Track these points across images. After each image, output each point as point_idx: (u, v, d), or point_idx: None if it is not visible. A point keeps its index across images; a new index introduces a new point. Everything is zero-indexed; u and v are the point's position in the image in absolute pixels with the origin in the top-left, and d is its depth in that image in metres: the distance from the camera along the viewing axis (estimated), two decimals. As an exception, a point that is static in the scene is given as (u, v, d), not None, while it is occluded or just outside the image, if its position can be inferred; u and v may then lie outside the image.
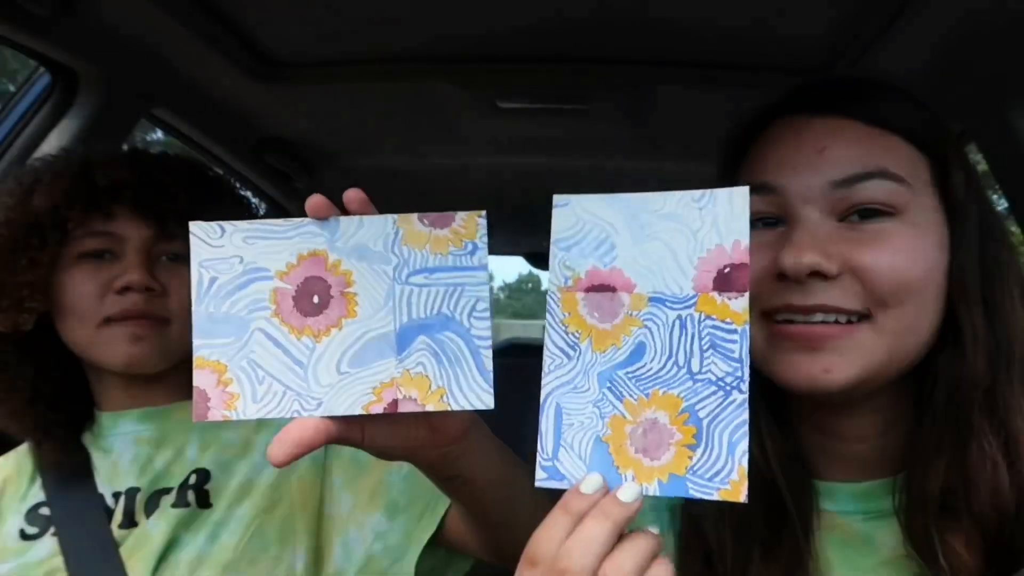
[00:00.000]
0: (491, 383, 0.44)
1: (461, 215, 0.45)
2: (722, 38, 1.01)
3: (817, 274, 0.50)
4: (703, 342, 0.42)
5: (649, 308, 0.43)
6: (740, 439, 0.41)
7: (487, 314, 0.45)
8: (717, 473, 0.41)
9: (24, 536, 0.73)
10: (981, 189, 0.55)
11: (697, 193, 0.43)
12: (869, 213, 0.51)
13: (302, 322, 0.45)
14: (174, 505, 0.73)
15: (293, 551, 0.72)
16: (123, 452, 0.77)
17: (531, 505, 0.59)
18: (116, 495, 0.75)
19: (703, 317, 0.42)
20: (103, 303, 0.73)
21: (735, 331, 0.41)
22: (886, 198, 0.51)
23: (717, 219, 0.42)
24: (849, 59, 1.02)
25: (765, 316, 0.54)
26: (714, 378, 0.42)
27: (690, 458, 0.41)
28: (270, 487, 0.75)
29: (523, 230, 2.59)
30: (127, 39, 1.00)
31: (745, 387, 0.41)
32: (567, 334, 0.44)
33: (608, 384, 0.43)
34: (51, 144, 1.08)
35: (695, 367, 0.42)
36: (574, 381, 0.44)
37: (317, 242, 0.45)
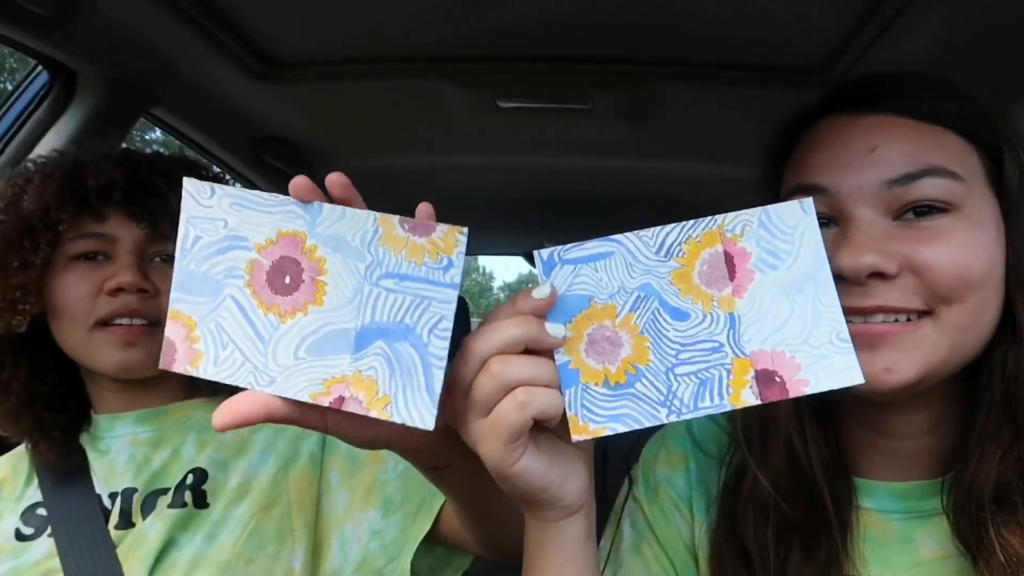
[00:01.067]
0: (436, 404, 0.43)
1: (442, 227, 0.44)
2: (722, 38, 1.01)
3: (877, 275, 0.49)
4: None
5: (722, 319, 0.46)
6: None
7: (448, 334, 0.44)
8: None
9: (20, 536, 0.73)
10: None
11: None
12: (925, 210, 0.50)
13: (271, 299, 0.45)
14: (171, 505, 0.73)
15: (291, 549, 0.72)
16: (120, 453, 0.77)
17: None
18: (112, 495, 0.75)
19: (730, 367, 0.45)
20: (95, 304, 0.73)
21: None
22: (941, 195, 0.50)
23: (817, 362, 0.45)
24: (849, 59, 1.02)
25: None
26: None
27: None
28: (268, 486, 0.75)
29: (523, 230, 2.60)
30: (126, 38, 1.00)
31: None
32: (673, 250, 0.46)
33: (643, 294, 0.46)
34: (49, 143, 1.08)
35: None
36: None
37: (298, 223, 0.45)
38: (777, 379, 0.44)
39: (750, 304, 0.45)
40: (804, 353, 0.44)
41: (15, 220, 0.72)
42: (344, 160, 1.57)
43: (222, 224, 0.46)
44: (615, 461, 0.96)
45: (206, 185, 0.46)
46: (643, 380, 0.45)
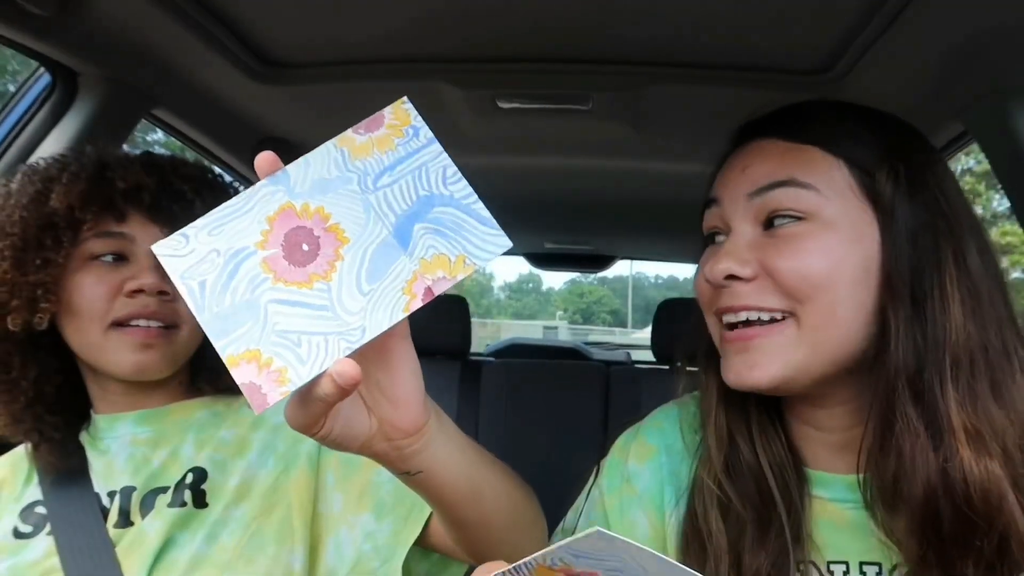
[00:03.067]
0: (498, 227, 0.45)
1: (387, 110, 0.47)
2: (723, 39, 1.01)
3: (735, 278, 0.58)
4: None
5: None
6: None
7: (459, 176, 0.46)
8: None
9: (17, 534, 0.73)
10: (924, 186, 0.58)
11: None
12: (782, 219, 0.57)
13: (304, 273, 0.44)
14: (170, 504, 0.73)
15: (291, 550, 0.72)
16: (119, 453, 0.77)
17: (506, 504, 0.60)
18: (111, 494, 0.75)
19: None
20: (112, 305, 0.73)
21: None
22: (793, 203, 0.57)
23: None
24: (849, 59, 1.02)
25: (717, 317, 0.61)
26: None
27: None
28: (269, 488, 0.75)
29: (524, 230, 2.60)
30: (127, 39, 1.00)
31: None
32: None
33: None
34: (50, 145, 1.08)
35: None
36: None
37: (278, 198, 0.45)
38: None
39: None
40: None
41: (39, 218, 0.71)
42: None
43: (215, 255, 0.44)
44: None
45: (177, 236, 0.44)
46: None
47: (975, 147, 1.19)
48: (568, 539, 0.36)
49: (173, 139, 1.36)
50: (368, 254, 0.45)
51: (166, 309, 0.75)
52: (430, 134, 0.46)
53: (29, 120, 1.08)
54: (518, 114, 1.27)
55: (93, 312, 0.73)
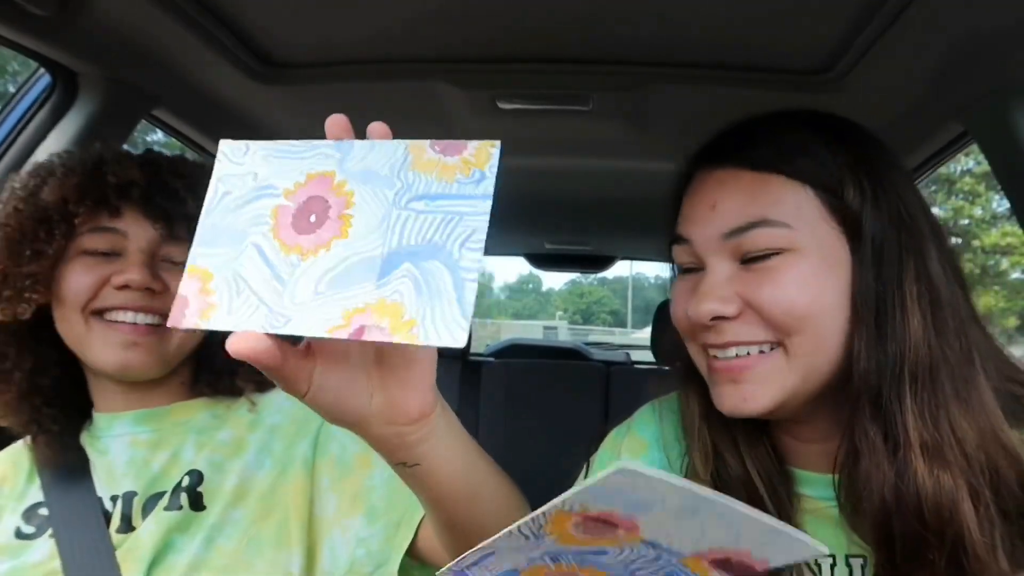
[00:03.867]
0: (468, 319, 0.39)
1: (474, 144, 0.43)
2: (723, 39, 1.01)
3: (720, 317, 0.58)
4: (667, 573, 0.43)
5: (640, 546, 0.42)
6: None
7: (480, 246, 0.41)
8: None
9: (20, 535, 0.73)
10: (889, 195, 0.58)
11: (778, 526, 0.39)
12: (758, 255, 0.58)
13: (294, 239, 0.43)
14: (167, 508, 0.73)
15: (288, 554, 0.72)
16: (119, 454, 0.77)
17: (502, 509, 0.59)
18: (114, 499, 0.75)
19: (682, 567, 0.43)
20: (98, 295, 0.73)
21: None
22: (768, 242, 0.57)
23: (775, 550, 0.41)
24: (849, 60, 1.02)
25: (703, 350, 0.62)
26: None
27: None
28: (266, 493, 0.75)
29: (524, 230, 2.60)
30: (127, 39, 1.00)
31: None
32: (538, 530, 0.42)
33: (558, 555, 0.44)
34: (51, 145, 1.08)
35: None
36: (523, 549, 0.44)
37: (328, 163, 0.44)
38: (734, 561, 0.42)
39: (655, 532, 0.41)
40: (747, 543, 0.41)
41: (33, 210, 0.72)
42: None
43: (252, 177, 0.45)
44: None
45: (241, 143, 0.46)
46: None
47: (975, 147, 1.19)
48: (589, 481, 0.37)
49: (173, 139, 1.36)
50: (348, 261, 0.42)
51: (156, 303, 0.74)
52: (491, 190, 0.41)
53: (29, 120, 1.08)
54: (518, 114, 1.27)
55: (76, 301, 0.73)
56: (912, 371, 0.55)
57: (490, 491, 0.59)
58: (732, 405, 0.59)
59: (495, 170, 0.42)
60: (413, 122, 1.34)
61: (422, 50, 1.08)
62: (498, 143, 0.42)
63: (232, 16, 0.99)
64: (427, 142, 0.43)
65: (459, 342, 0.39)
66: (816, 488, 0.63)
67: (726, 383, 0.59)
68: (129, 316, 0.73)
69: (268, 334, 0.42)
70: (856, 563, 0.61)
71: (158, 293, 0.74)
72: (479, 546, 0.42)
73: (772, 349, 0.58)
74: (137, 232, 0.75)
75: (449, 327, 0.39)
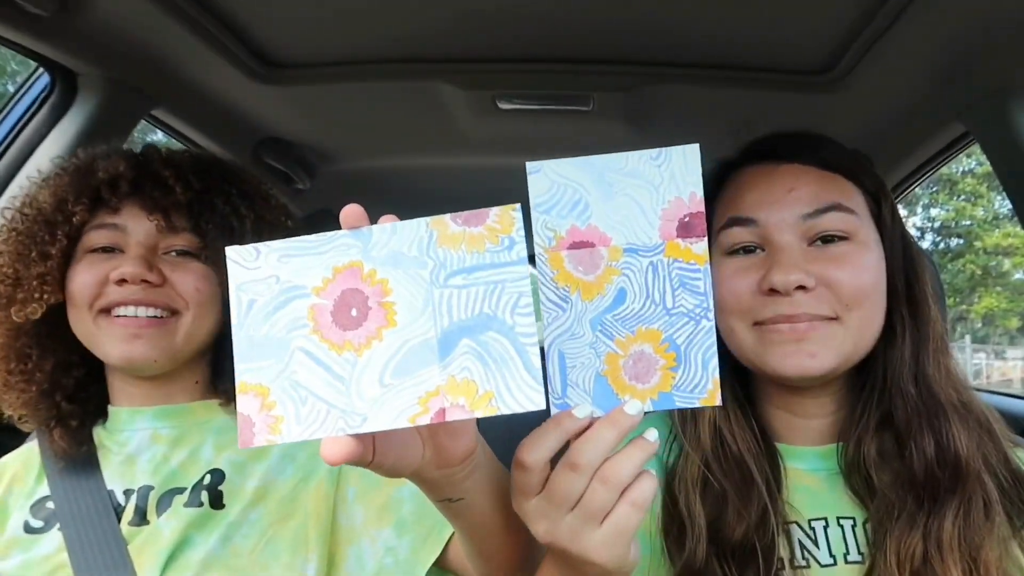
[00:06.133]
0: (540, 382, 0.42)
1: (495, 211, 0.44)
2: (724, 39, 1.01)
3: (800, 288, 0.64)
4: (673, 282, 0.49)
5: (625, 258, 0.49)
6: (711, 356, 0.48)
7: (530, 309, 0.43)
8: (696, 386, 0.48)
9: (28, 529, 0.73)
10: (899, 216, 0.72)
11: (654, 152, 0.48)
12: (830, 238, 0.66)
13: (342, 336, 0.43)
14: (187, 504, 0.73)
15: (305, 559, 0.72)
16: (139, 448, 0.78)
17: (532, 540, 0.59)
18: (127, 492, 0.75)
19: (671, 261, 0.49)
20: (101, 293, 0.74)
21: (699, 270, 0.48)
22: (843, 226, 0.66)
23: (674, 174, 0.48)
24: (850, 60, 1.02)
25: (757, 325, 0.67)
26: (685, 310, 0.49)
27: (673, 378, 0.49)
28: (287, 497, 0.75)
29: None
30: (127, 39, 1.00)
31: (711, 315, 0.48)
32: (557, 289, 0.49)
33: (599, 328, 0.49)
34: (50, 145, 1.08)
35: (669, 303, 0.49)
36: (571, 329, 0.49)
37: (352, 254, 0.44)
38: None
39: (614, 230, 0.50)
40: None
41: (35, 213, 0.75)
42: (344, 161, 1.57)
43: (274, 280, 0.44)
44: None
45: (250, 248, 0.45)
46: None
47: (977, 148, 1.19)
48: (534, 196, 0.49)
49: (173, 139, 1.36)
50: (406, 347, 0.43)
51: (157, 295, 0.74)
52: (524, 252, 0.43)
53: (29, 120, 1.08)
54: (518, 114, 1.27)
55: (84, 299, 0.74)
56: (936, 343, 0.68)
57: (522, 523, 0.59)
58: (797, 362, 0.64)
59: (522, 233, 0.43)
60: (413, 122, 1.34)
61: (422, 50, 1.08)
62: (518, 206, 0.44)
63: (232, 16, 0.99)
64: (447, 216, 0.44)
65: (539, 405, 0.42)
66: (805, 461, 0.71)
67: (790, 343, 0.65)
68: (130, 310, 0.74)
69: (351, 435, 0.42)
70: (847, 523, 0.67)
71: (157, 286, 0.75)
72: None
73: (828, 322, 0.65)
74: (135, 227, 0.76)
75: (525, 392, 0.42)
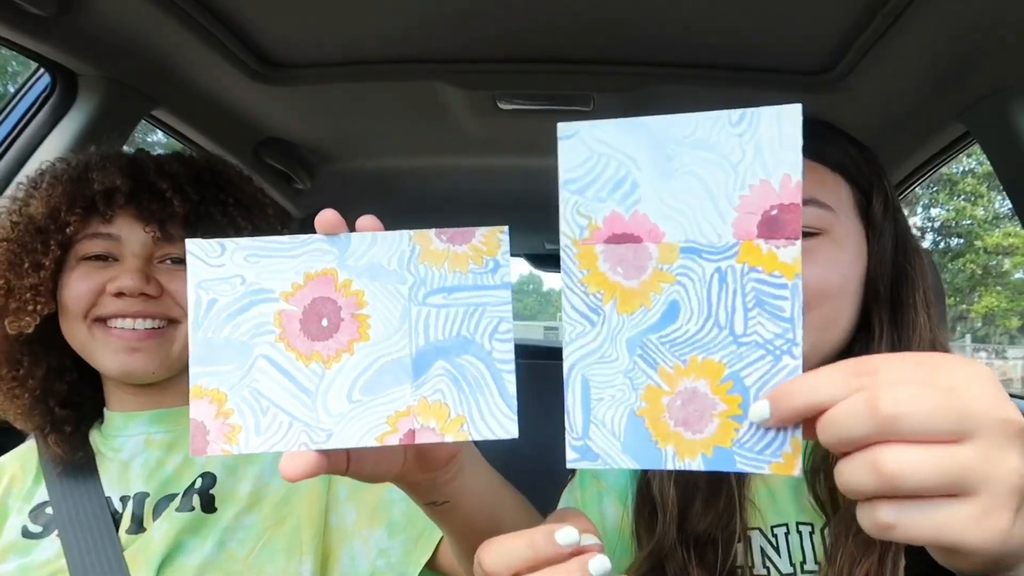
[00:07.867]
0: (515, 410, 0.40)
1: (482, 231, 0.41)
2: (724, 39, 1.01)
3: None
4: (747, 299, 0.36)
5: (682, 260, 0.37)
6: None
7: (510, 336, 0.41)
8: (768, 445, 0.35)
9: (27, 534, 0.73)
10: (898, 211, 0.68)
11: (735, 114, 0.36)
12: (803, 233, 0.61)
13: (310, 347, 0.41)
14: (179, 509, 0.73)
15: (299, 562, 0.72)
16: (134, 454, 0.77)
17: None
18: (124, 499, 0.75)
19: (747, 269, 0.36)
20: (97, 303, 0.73)
21: (785, 285, 0.35)
22: (813, 221, 0.63)
23: (761, 148, 0.36)
24: (850, 60, 1.02)
25: None
26: (761, 340, 0.36)
27: (736, 430, 0.36)
28: (280, 501, 0.75)
29: (524, 231, 2.59)
30: (127, 40, 1.00)
31: (799, 351, 0.35)
32: (588, 295, 0.38)
33: (639, 351, 0.38)
34: (51, 146, 1.08)
35: (738, 328, 0.36)
36: (600, 350, 0.38)
37: (326, 260, 0.41)
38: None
39: (667, 221, 0.39)
40: None
41: (27, 223, 0.73)
42: (345, 161, 1.57)
43: (239, 280, 0.41)
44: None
45: (214, 242, 0.42)
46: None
47: (977, 148, 1.19)
48: (563, 159, 0.39)
49: (173, 139, 1.36)
50: (378, 363, 0.41)
51: (155, 307, 0.74)
52: (507, 277, 0.41)
53: (29, 121, 1.08)
54: (518, 114, 1.27)
55: (78, 309, 0.73)
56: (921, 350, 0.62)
57: (513, 520, 0.59)
58: None
59: (508, 257, 0.41)
60: (413, 122, 1.34)
61: (422, 50, 1.08)
62: (506, 228, 0.41)
63: (232, 16, 0.99)
64: (431, 232, 0.41)
65: (511, 433, 0.40)
66: None
67: None
68: (128, 323, 0.73)
69: (316, 450, 0.40)
70: (805, 530, 0.66)
71: (155, 297, 0.74)
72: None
73: None
74: (130, 236, 0.75)
75: (498, 420, 0.40)
